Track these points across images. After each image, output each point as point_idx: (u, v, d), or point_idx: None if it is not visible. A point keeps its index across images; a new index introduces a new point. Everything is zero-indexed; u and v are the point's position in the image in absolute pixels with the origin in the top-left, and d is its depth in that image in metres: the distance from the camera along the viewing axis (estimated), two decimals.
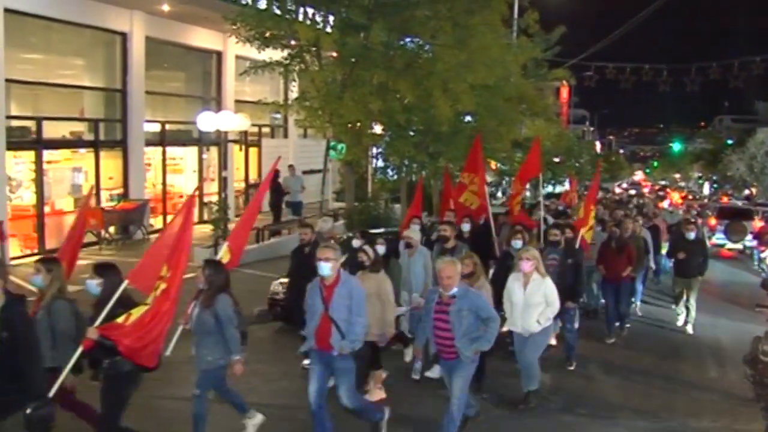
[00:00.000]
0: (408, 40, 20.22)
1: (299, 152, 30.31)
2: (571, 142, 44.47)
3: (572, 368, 11.79)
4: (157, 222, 23.36)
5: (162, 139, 24.20)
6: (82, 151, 21.25)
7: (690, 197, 64.42)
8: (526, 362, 9.84)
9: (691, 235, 14.90)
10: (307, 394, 8.09)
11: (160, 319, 7.21)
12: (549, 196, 33.15)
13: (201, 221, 24.48)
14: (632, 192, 73.16)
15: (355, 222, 20.56)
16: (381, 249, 10.92)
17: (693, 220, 19.55)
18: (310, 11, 19.58)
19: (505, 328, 9.71)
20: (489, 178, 38.95)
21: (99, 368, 7.30)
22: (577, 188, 31.07)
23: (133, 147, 22.30)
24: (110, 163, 21.87)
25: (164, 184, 24.23)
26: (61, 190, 20.31)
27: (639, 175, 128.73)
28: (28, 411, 5.49)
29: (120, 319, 7.03)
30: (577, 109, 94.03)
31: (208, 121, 20.05)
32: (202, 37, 25.17)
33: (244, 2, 19.65)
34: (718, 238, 29.49)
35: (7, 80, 17.59)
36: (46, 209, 19.37)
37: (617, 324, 14.10)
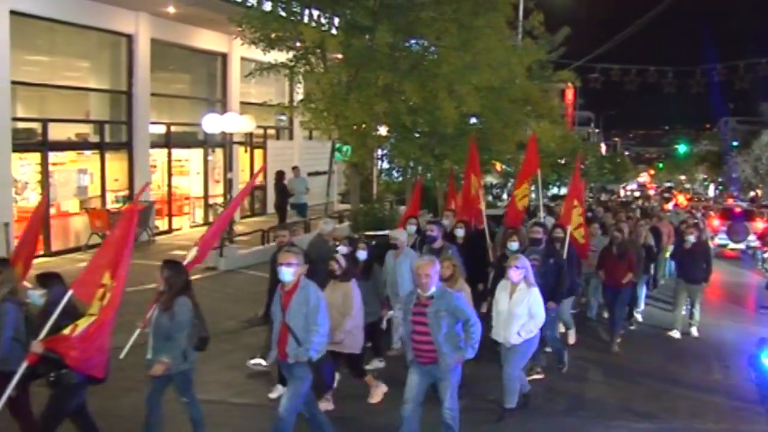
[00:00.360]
0: (413, 41, 20.24)
1: (304, 154, 30.35)
2: (576, 144, 44.42)
3: (564, 370, 11.62)
4: (162, 224, 23.41)
5: (167, 141, 24.21)
6: (88, 152, 21.26)
7: (695, 199, 64.34)
8: (505, 375, 9.45)
9: (691, 239, 14.69)
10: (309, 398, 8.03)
11: (105, 329, 7.04)
12: (554, 197, 33.15)
13: (206, 223, 24.60)
14: (637, 194, 73.13)
15: (360, 224, 20.57)
16: (362, 255, 10.75)
17: (695, 222, 19.50)
18: (316, 13, 19.61)
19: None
20: (494, 180, 39.05)
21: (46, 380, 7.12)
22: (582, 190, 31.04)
23: (139, 149, 22.31)
24: (115, 164, 21.89)
25: (169, 185, 24.25)
26: (67, 191, 20.35)
27: (644, 177, 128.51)
28: None
29: (66, 331, 6.89)
30: (583, 110, 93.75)
31: (213, 123, 20.10)
32: (208, 39, 25.21)
33: (249, 4, 19.70)
34: (721, 239, 29.71)
35: (13, 82, 17.61)
36: (52, 211, 19.40)
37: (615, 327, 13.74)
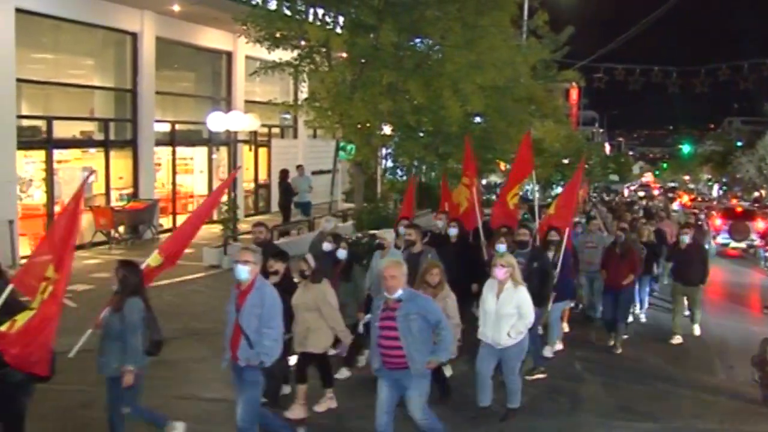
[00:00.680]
0: (418, 40, 20.24)
1: (309, 153, 30.34)
2: (581, 144, 44.48)
3: (543, 376, 11.18)
4: (166, 222, 23.43)
5: (172, 139, 24.24)
6: (92, 150, 21.32)
7: (699, 199, 64.33)
8: (505, 378, 9.32)
9: (686, 239, 14.46)
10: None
11: (47, 324, 6.76)
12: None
13: (210, 221, 24.60)
14: (641, 194, 73.12)
15: (364, 223, 20.57)
16: (342, 254, 10.57)
17: (694, 222, 19.45)
18: (320, 12, 19.63)
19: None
20: (498, 180, 39.10)
21: None
22: (587, 190, 31.15)
23: (143, 147, 22.34)
24: (120, 162, 21.93)
25: (174, 184, 24.29)
26: (71, 189, 20.29)
27: (648, 177, 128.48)
28: None
29: (4, 327, 6.60)
30: (587, 110, 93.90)
31: (217, 122, 20.12)
32: (213, 38, 25.23)
33: (254, 3, 19.71)
34: (723, 238, 30.26)
35: (18, 80, 17.65)
36: (56, 208, 19.43)
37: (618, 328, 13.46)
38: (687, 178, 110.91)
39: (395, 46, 18.68)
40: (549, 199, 17.40)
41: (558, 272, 12.24)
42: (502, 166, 31.89)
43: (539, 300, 10.61)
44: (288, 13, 18.74)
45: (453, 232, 12.89)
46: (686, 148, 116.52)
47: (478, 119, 23.45)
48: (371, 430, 7.71)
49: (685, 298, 14.78)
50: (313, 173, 27.00)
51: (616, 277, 13.26)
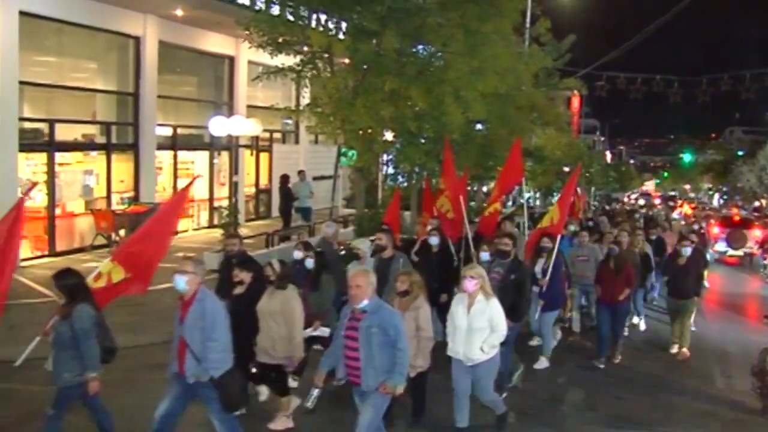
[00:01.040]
0: (420, 47, 20.26)
1: (310, 158, 30.39)
2: (582, 152, 44.47)
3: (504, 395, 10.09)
4: None
5: (173, 143, 24.30)
6: (94, 153, 21.33)
7: (700, 208, 64.38)
8: (482, 399, 8.94)
9: (685, 253, 13.72)
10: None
11: None
12: None
13: (211, 225, 24.63)
14: (642, 202, 73.14)
15: (364, 229, 20.56)
16: (309, 263, 10.20)
17: (695, 230, 19.39)
18: (323, 17, 19.67)
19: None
20: None
21: None
22: (587, 198, 31.19)
23: (145, 150, 22.38)
24: (121, 166, 21.96)
25: (175, 188, 24.26)
26: (73, 192, 20.40)
27: (649, 185, 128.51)
28: None
29: None
30: (588, 118, 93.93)
31: (219, 126, 20.13)
32: (215, 42, 25.28)
33: (257, 8, 19.77)
34: (720, 246, 30.84)
35: (20, 82, 17.68)
36: (57, 211, 19.46)
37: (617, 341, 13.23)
38: (688, 187, 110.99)
39: (397, 53, 18.71)
40: (550, 207, 17.31)
41: (548, 280, 12.21)
42: None
43: (515, 315, 10.20)
44: (291, 18, 18.76)
45: (434, 241, 12.56)
46: (687, 157, 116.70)
47: (479, 126, 23.46)
48: None
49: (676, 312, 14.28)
50: (315, 179, 27.04)
51: (611, 292, 12.76)
